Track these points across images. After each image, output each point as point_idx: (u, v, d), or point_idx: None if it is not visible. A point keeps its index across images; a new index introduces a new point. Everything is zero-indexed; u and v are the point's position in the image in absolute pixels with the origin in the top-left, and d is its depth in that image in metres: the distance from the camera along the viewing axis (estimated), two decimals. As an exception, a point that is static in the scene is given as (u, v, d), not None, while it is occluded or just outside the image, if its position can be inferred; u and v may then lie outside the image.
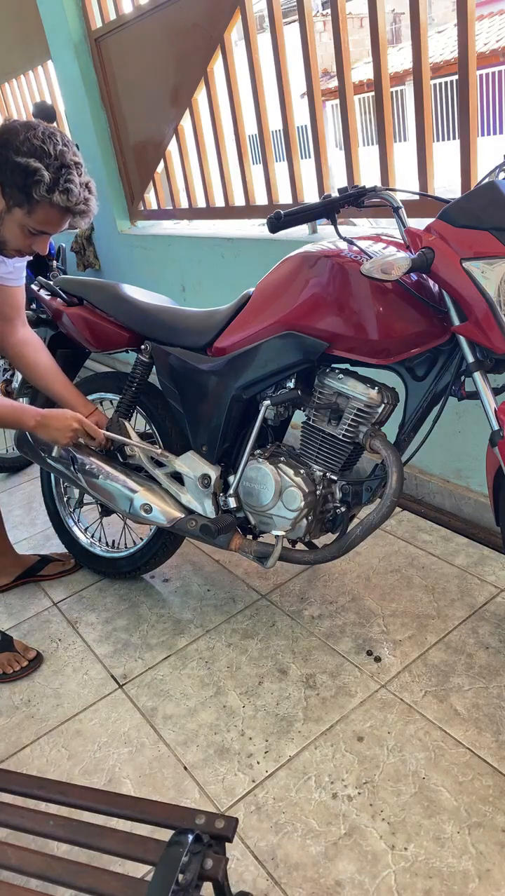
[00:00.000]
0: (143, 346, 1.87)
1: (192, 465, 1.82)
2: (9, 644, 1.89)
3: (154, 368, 1.88)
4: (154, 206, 3.50)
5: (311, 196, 3.11)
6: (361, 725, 1.55)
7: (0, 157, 1.39)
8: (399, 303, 1.42)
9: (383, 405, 1.55)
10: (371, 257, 1.42)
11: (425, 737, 1.49)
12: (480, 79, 14.75)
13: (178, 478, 1.88)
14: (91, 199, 1.48)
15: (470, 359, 1.38)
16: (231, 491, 1.76)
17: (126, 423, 1.91)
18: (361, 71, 14.87)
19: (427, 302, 1.42)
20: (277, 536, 1.70)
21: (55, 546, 2.46)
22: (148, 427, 2.00)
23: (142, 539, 2.09)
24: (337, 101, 3.95)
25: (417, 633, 1.78)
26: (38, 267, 3.06)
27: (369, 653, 1.75)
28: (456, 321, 1.37)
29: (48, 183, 1.40)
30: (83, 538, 2.24)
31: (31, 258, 1.73)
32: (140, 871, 1.30)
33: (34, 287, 2.06)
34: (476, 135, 1.90)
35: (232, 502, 1.76)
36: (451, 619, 1.82)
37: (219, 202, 3.04)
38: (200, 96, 2.89)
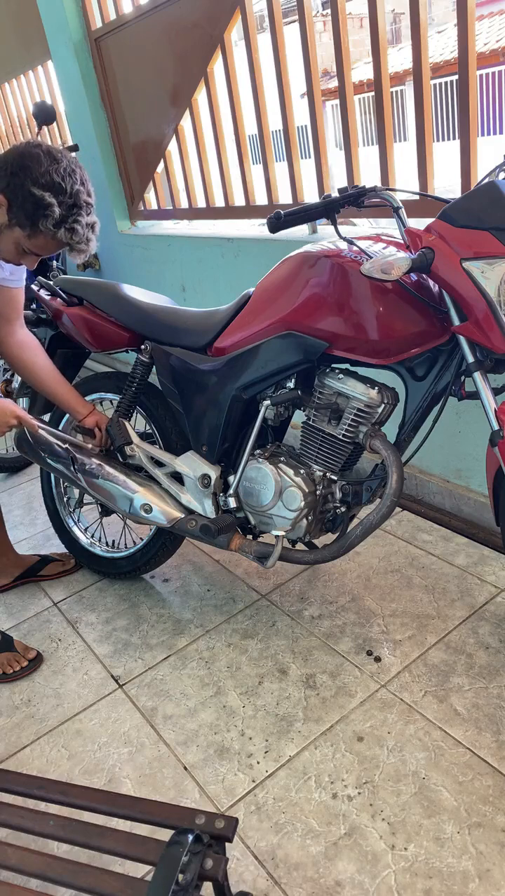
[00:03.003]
0: (143, 346, 1.87)
1: (192, 465, 1.82)
2: (9, 644, 1.89)
3: (154, 368, 1.89)
4: (154, 206, 3.50)
5: (311, 196, 3.11)
6: (361, 725, 1.55)
7: (17, 179, 1.39)
8: (399, 303, 1.42)
9: (383, 405, 1.55)
10: (371, 257, 1.42)
11: (425, 737, 1.50)
12: (480, 79, 14.75)
13: (178, 478, 1.88)
14: (92, 240, 1.51)
15: (470, 359, 1.38)
16: (231, 491, 1.76)
17: (126, 423, 1.91)
18: (361, 71, 14.87)
19: (427, 302, 1.42)
20: (276, 536, 1.70)
21: (55, 546, 2.46)
22: (148, 427, 2.00)
23: (142, 539, 2.09)
24: (337, 101, 3.95)
25: (417, 633, 1.78)
26: (39, 267, 3.06)
27: (369, 653, 1.75)
28: (456, 321, 1.37)
29: (57, 219, 1.42)
30: (83, 538, 2.24)
31: None
32: (140, 871, 1.30)
33: (34, 287, 2.06)
34: (476, 135, 1.90)
35: (232, 502, 1.77)
36: (451, 619, 1.82)
37: (219, 202, 3.04)
38: (200, 96, 2.89)
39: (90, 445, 1.95)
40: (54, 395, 1.88)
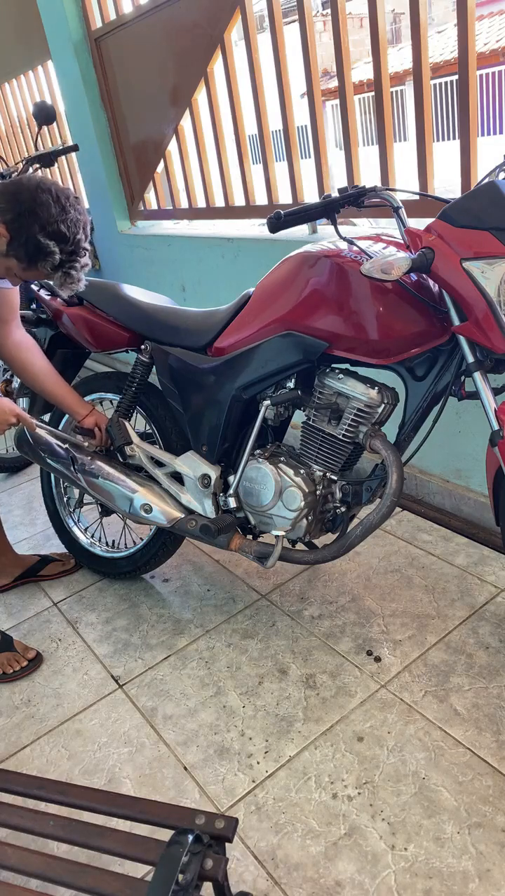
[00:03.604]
0: (143, 346, 1.87)
1: (192, 465, 1.82)
2: (9, 644, 1.89)
3: (154, 368, 1.89)
4: (154, 206, 3.50)
5: (311, 196, 3.11)
6: (361, 725, 1.55)
7: (24, 221, 1.44)
8: (399, 303, 1.42)
9: (383, 405, 1.55)
10: (371, 257, 1.42)
11: (425, 737, 1.49)
12: (480, 79, 14.75)
13: (178, 478, 1.88)
14: (82, 280, 1.58)
15: (470, 359, 1.38)
16: (231, 491, 1.76)
17: (126, 423, 1.91)
18: (361, 71, 14.87)
19: (427, 302, 1.42)
20: (276, 536, 1.70)
21: (55, 546, 2.46)
22: (148, 427, 2.00)
23: (142, 539, 2.09)
24: (337, 101, 3.95)
25: (417, 633, 1.78)
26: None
27: (369, 653, 1.75)
28: (456, 321, 1.37)
29: (56, 264, 1.50)
30: (83, 538, 2.24)
31: None
32: (140, 871, 1.30)
33: (34, 287, 2.06)
34: (476, 135, 1.90)
35: (232, 502, 1.76)
36: (451, 619, 1.82)
37: (219, 202, 3.04)
38: (200, 96, 2.89)
39: (88, 443, 1.95)
40: (53, 395, 1.88)
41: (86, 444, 1.95)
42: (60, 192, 1.48)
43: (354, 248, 1.47)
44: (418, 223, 1.51)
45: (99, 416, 1.93)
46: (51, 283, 2.02)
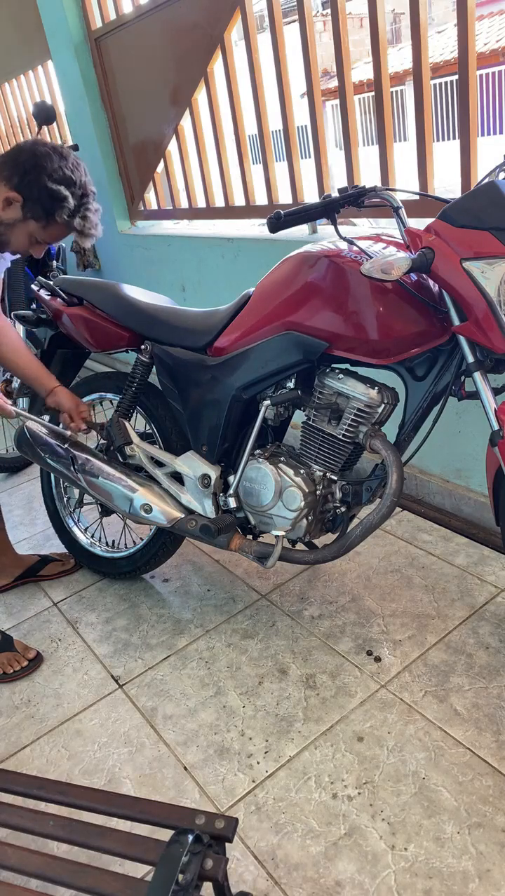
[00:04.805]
0: (143, 346, 1.87)
1: (192, 465, 1.82)
2: (9, 644, 1.89)
3: (154, 368, 1.89)
4: (154, 206, 3.50)
5: (311, 196, 3.11)
6: (361, 725, 1.55)
7: (31, 176, 1.51)
8: (399, 303, 1.42)
9: (383, 405, 1.55)
10: (371, 257, 1.42)
11: (425, 737, 1.49)
12: (480, 79, 14.74)
13: (178, 478, 1.88)
14: (99, 225, 1.65)
15: (470, 359, 1.38)
16: (231, 491, 1.76)
17: (126, 423, 1.91)
18: (361, 71, 14.86)
19: (427, 302, 1.42)
20: (276, 536, 1.70)
21: (55, 546, 2.46)
22: (148, 427, 2.00)
23: (142, 539, 2.09)
24: (337, 101, 3.95)
25: (417, 633, 1.78)
26: (38, 267, 3.06)
27: (369, 653, 1.75)
28: (456, 321, 1.37)
29: (71, 209, 1.57)
30: (83, 538, 2.24)
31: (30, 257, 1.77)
32: (140, 871, 1.30)
33: (34, 287, 2.06)
34: (476, 135, 1.90)
35: (232, 502, 1.76)
36: (451, 619, 1.82)
37: (219, 202, 3.04)
38: (200, 96, 2.89)
39: (69, 433, 1.93)
40: (18, 365, 1.81)
41: (69, 433, 1.94)
42: (55, 144, 1.58)
43: (354, 248, 1.47)
44: (418, 223, 1.51)
45: (61, 395, 1.84)
46: (51, 282, 2.03)
